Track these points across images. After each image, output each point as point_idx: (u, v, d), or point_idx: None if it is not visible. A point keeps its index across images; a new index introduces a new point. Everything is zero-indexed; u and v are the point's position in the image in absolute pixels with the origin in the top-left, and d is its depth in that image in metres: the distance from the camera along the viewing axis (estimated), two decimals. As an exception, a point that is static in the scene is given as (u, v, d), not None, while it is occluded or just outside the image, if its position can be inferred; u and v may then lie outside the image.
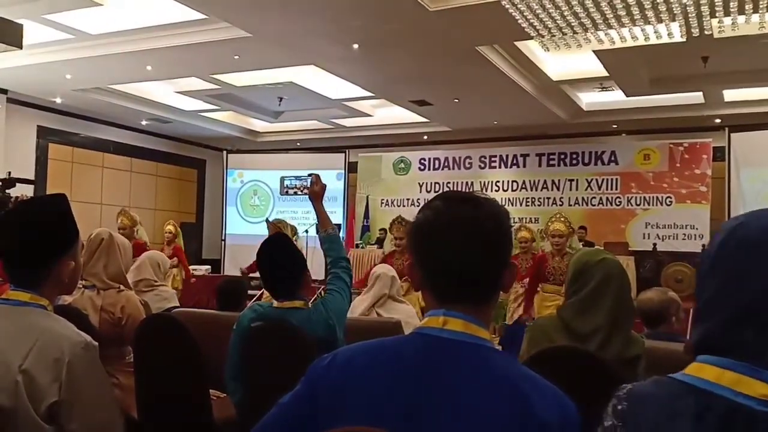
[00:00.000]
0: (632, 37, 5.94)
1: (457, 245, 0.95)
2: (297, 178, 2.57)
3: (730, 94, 8.22)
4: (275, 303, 2.24)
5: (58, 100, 9.11)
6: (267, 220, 6.21)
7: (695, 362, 0.76)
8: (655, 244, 9.18)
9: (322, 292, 2.42)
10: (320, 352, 2.23)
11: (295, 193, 2.53)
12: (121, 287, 2.56)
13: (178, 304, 3.77)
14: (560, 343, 1.85)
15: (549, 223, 5.32)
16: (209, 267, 9.84)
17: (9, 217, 1.48)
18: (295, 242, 6.24)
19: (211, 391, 2.38)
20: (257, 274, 2.48)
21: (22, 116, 9.25)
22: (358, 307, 3.46)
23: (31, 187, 9.12)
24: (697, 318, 0.78)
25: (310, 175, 2.50)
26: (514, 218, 8.80)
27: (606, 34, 5.93)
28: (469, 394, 0.88)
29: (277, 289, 2.24)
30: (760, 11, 5.21)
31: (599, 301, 1.86)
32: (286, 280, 2.22)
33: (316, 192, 2.44)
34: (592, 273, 1.89)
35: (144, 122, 10.45)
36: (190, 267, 8.90)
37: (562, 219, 5.30)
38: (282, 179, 2.63)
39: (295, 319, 2.15)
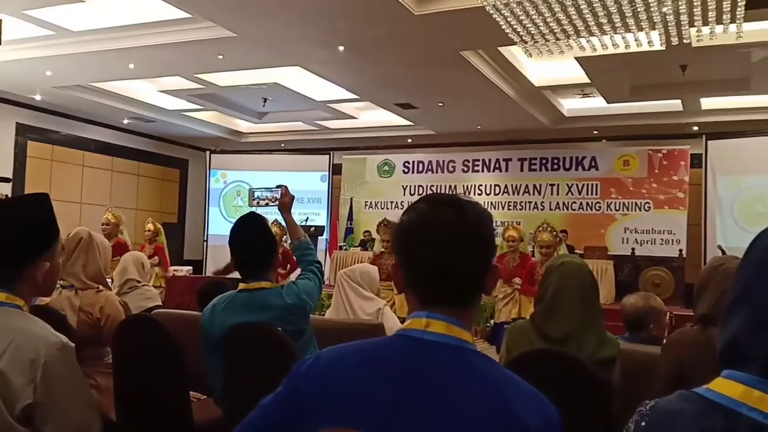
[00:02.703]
0: (613, 45, 6.03)
1: (440, 247, 0.95)
2: (267, 189, 2.58)
3: (707, 103, 8.38)
4: (241, 285, 2.27)
5: (38, 97, 8.96)
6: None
7: (720, 377, 0.73)
8: (633, 249, 9.32)
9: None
10: (292, 316, 2.18)
11: (267, 204, 2.53)
12: (100, 287, 2.52)
13: (160, 303, 3.75)
14: (538, 346, 1.87)
15: (536, 233, 5.42)
16: (191, 268, 9.74)
17: None
18: (284, 243, 6.28)
19: (191, 393, 2.36)
20: (236, 275, 2.48)
21: (0, 113, 9.08)
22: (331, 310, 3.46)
23: (9, 185, 8.98)
24: (724, 318, 0.77)
25: (278, 186, 2.54)
26: (496, 221, 8.90)
27: (588, 42, 6.01)
28: (451, 396, 0.88)
29: (247, 268, 2.26)
30: (738, 21, 5.32)
31: (561, 304, 1.89)
32: (256, 261, 2.26)
33: (285, 203, 2.50)
34: (553, 278, 1.93)
35: (126, 121, 10.33)
36: (172, 267, 8.83)
37: (549, 229, 5.42)
38: (250, 191, 2.63)
39: (264, 294, 2.19)
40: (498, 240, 5.95)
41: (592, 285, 1.96)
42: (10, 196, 8.79)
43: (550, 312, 1.90)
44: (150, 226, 7.29)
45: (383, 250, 6.02)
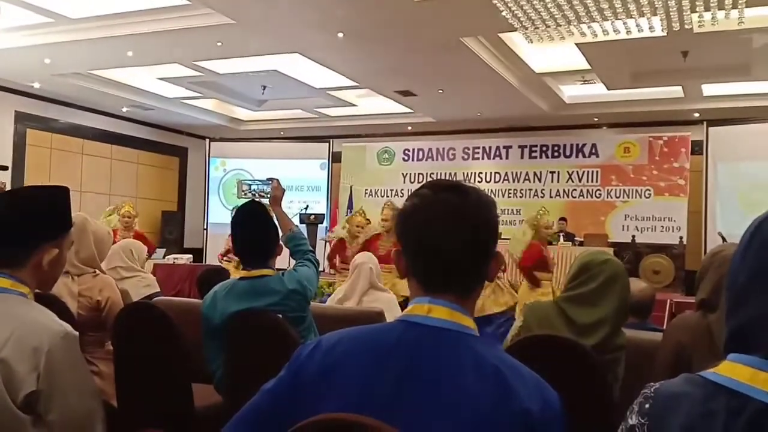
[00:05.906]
0: (614, 31, 5.99)
1: (443, 233, 0.95)
2: (260, 181, 2.57)
3: (708, 89, 8.33)
4: (242, 272, 2.28)
5: (37, 85, 8.92)
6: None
7: (727, 361, 0.74)
8: (633, 236, 9.31)
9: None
10: (293, 302, 2.20)
11: (261, 197, 2.53)
12: (96, 271, 2.54)
13: (159, 290, 3.75)
14: (561, 329, 1.89)
15: (539, 216, 5.69)
16: (191, 256, 9.74)
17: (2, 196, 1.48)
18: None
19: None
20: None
21: (-2, 101, 9.05)
22: (337, 296, 3.49)
23: (9, 173, 8.96)
24: (728, 308, 0.77)
25: (269, 179, 2.53)
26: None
27: (589, 27, 5.97)
28: (452, 381, 0.89)
29: (248, 256, 2.27)
30: (739, 7, 5.28)
31: (604, 298, 1.93)
32: (257, 249, 2.26)
33: (276, 197, 2.50)
34: (598, 272, 1.98)
35: (125, 109, 10.28)
36: (172, 255, 8.84)
37: (548, 212, 5.92)
38: (239, 183, 2.62)
39: (265, 280, 2.20)
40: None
41: (629, 283, 2.06)
42: (9, 184, 8.79)
43: (586, 301, 1.94)
44: (128, 209, 7.00)
45: (381, 230, 5.85)
